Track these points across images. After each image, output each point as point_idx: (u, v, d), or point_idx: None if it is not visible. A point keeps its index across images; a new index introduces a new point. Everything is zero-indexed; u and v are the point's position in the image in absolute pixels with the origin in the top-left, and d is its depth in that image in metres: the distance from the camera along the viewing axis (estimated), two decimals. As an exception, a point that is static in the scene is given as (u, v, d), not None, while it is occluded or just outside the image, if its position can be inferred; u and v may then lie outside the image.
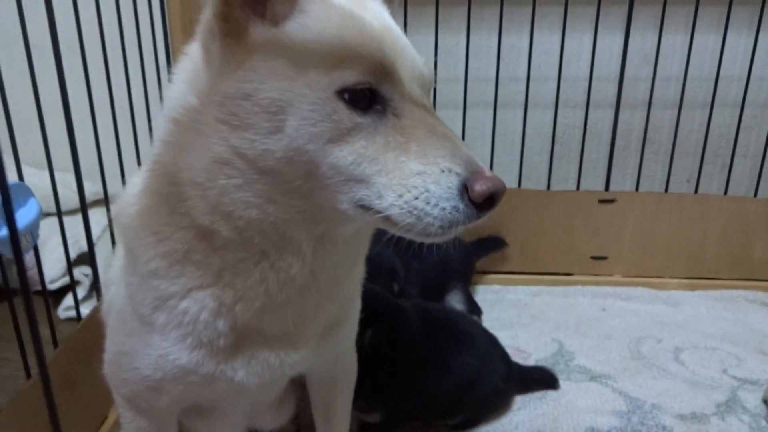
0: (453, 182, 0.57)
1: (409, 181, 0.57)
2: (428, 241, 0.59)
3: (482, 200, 0.57)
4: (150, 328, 0.70)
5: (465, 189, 0.57)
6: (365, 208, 0.59)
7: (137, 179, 0.71)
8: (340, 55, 0.57)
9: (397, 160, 0.57)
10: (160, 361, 0.70)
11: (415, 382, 1.09)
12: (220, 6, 0.58)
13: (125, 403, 0.80)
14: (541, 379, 1.27)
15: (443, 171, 0.57)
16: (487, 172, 0.58)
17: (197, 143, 0.59)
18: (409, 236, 0.60)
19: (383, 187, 0.57)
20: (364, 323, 0.89)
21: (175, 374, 0.71)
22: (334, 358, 0.89)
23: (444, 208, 0.56)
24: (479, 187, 0.56)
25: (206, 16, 0.60)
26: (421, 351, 1.10)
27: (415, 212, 0.57)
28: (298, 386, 1.01)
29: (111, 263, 0.91)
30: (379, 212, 0.58)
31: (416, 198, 0.56)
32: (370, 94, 0.58)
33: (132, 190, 0.70)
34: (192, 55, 0.63)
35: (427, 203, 0.56)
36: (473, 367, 1.14)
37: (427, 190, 0.56)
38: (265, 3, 0.58)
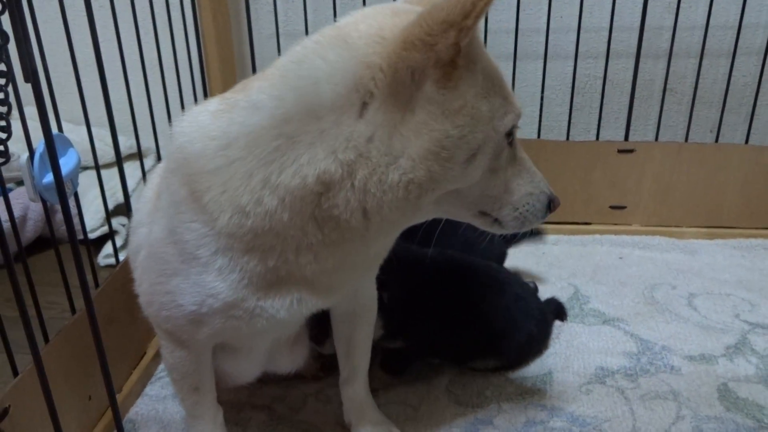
0: (545, 200, 0.82)
1: (524, 200, 0.80)
2: (507, 232, 0.83)
3: (553, 210, 0.84)
4: (203, 269, 0.75)
5: (549, 204, 0.82)
6: (484, 214, 0.80)
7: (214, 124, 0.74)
8: (506, 103, 0.74)
9: (517, 184, 0.80)
10: (208, 299, 0.77)
11: (436, 323, 1.15)
12: (453, 55, 0.66)
13: (167, 336, 0.88)
14: (554, 310, 1.31)
15: (542, 192, 0.82)
16: (555, 193, 0.84)
17: (378, 163, 0.69)
18: (496, 231, 0.83)
19: (506, 203, 0.80)
20: (383, 270, 0.96)
21: (221, 309, 0.78)
22: (354, 294, 0.97)
23: (538, 216, 0.82)
24: (556, 203, 0.83)
25: (410, 61, 0.66)
26: (441, 295, 1.15)
27: (524, 221, 0.81)
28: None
29: (137, 206, 0.97)
30: (495, 219, 0.81)
31: (527, 211, 0.81)
32: (512, 134, 0.77)
33: (204, 146, 0.73)
34: (342, 81, 0.68)
35: (533, 215, 0.81)
36: (504, 313, 1.18)
37: (534, 206, 0.81)
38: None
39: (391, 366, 1.21)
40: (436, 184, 0.71)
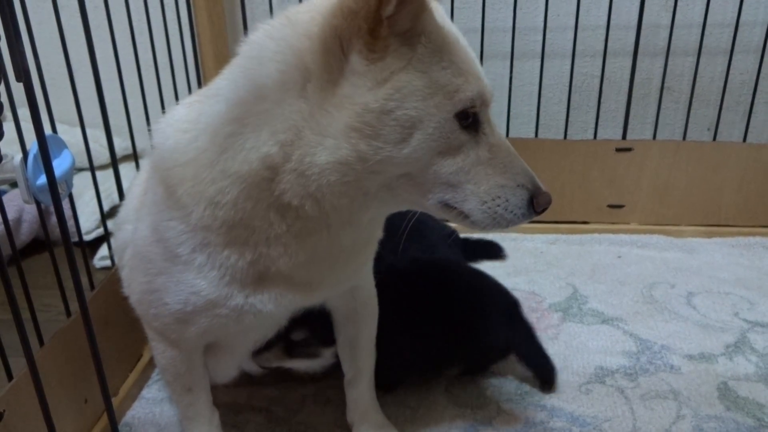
0: (525, 196, 0.73)
1: (493, 192, 0.71)
2: (484, 231, 0.80)
3: (540, 210, 0.74)
4: (184, 267, 0.75)
5: (531, 201, 0.73)
6: (449, 206, 0.73)
7: (185, 126, 0.74)
8: (459, 81, 0.68)
9: (485, 173, 0.71)
10: (192, 297, 0.76)
11: (412, 331, 1.12)
12: (373, 23, 0.62)
13: (156, 335, 0.88)
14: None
15: (519, 186, 0.72)
16: (543, 188, 0.74)
17: (308, 142, 0.66)
18: (470, 227, 0.74)
19: (470, 193, 0.71)
20: None
21: (204, 307, 0.77)
22: (351, 293, 0.96)
23: (515, 214, 0.73)
24: (541, 201, 0.73)
25: (338, 30, 0.64)
26: (413, 303, 1.12)
27: (495, 216, 0.72)
28: None
29: (123, 203, 0.97)
30: (461, 212, 0.72)
31: (498, 205, 0.72)
32: (472, 116, 0.69)
33: (177, 141, 0.73)
34: (284, 58, 0.66)
35: (505, 210, 0.72)
36: (471, 317, 1.14)
37: (507, 200, 0.72)
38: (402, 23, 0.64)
39: (384, 382, 1.15)
40: (369, 165, 0.66)
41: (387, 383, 1.16)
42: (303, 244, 0.74)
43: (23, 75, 0.53)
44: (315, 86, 0.65)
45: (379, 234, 0.88)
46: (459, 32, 0.72)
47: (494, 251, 1.37)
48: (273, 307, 0.78)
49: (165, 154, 0.74)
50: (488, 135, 0.72)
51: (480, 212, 0.72)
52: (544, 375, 1.17)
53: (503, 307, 1.18)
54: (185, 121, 0.74)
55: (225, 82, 0.71)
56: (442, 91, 0.67)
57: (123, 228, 0.93)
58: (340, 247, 0.78)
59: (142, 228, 0.81)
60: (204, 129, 0.71)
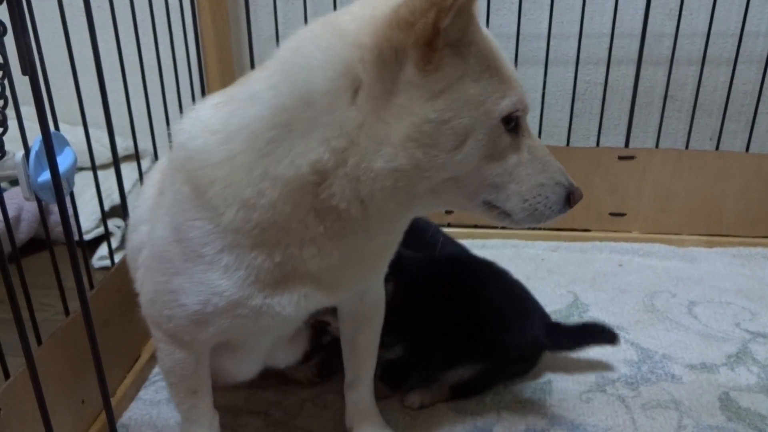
0: (563, 193, 0.76)
1: (534, 190, 0.74)
2: (519, 227, 0.78)
3: (573, 205, 0.78)
4: (207, 267, 0.75)
5: (567, 197, 0.76)
6: (491, 206, 0.75)
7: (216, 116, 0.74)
8: (504, 88, 0.70)
9: (525, 173, 0.74)
10: (213, 298, 0.76)
11: (435, 322, 1.13)
12: (430, 35, 0.64)
13: (167, 338, 0.86)
14: (594, 335, 1.23)
15: (557, 184, 0.76)
16: (575, 184, 0.78)
17: (364, 149, 0.67)
18: (507, 224, 0.77)
19: (513, 193, 0.74)
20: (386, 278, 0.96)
21: (226, 308, 0.77)
22: (360, 295, 0.96)
23: (553, 210, 0.76)
24: (576, 196, 0.77)
25: (393, 41, 0.65)
26: (438, 297, 1.13)
27: (535, 213, 0.75)
28: (310, 326, 1.09)
29: (136, 204, 0.96)
30: (503, 211, 0.76)
31: (539, 203, 0.75)
32: (515, 120, 0.72)
33: (206, 141, 0.73)
34: (334, 67, 0.66)
35: (545, 206, 0.75)
36: (497, 314, 1.15)
37: (546, 197, 0.75)
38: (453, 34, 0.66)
39: (391, 378, 1.18)
40: (423, 172, 0.68)
41: (397, 379, 1.17)
42: (338, 245, 0.75)
43: (29, 68, 0.53)
44: (367, 95, 0.66)
45: (400, 237, 0.88)
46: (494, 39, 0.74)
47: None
48: (293, 310, 0.78)
49: (193, 155, 0.73)
50: (526, 137, 0.75)
51: (521, 210, 0.75)
52: (603, 339, 1.20)
53: (534, 309, 1.21)
54: (214, 122, 0.73)
55: (262, 86, 0.71)
56: (491, 97, 0.69)
57: (138, 230, 0.93)
58: (373, 248, 0.80)
59: (160, 228, 0.80)
60: (237, 131, 0.71)
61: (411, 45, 0.64)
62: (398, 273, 1.02)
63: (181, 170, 0.75)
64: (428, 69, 0.65)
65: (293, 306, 0.78)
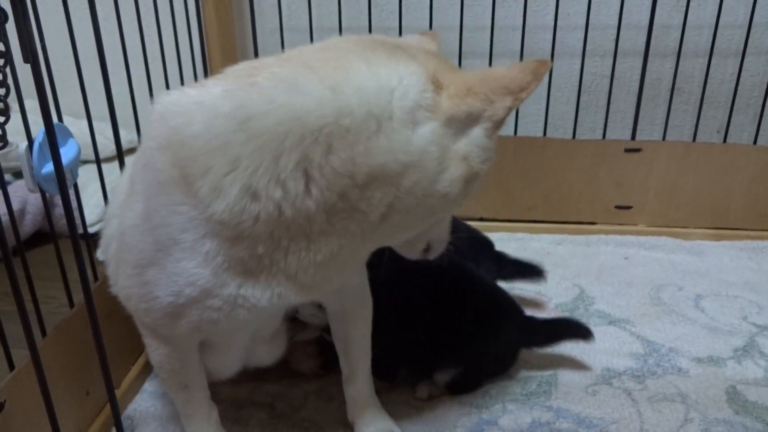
0: None
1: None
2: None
3: None
4: (182, 255, 0.72)
5: None
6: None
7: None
8: None
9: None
10: (186, 288, 0.74)
11: (411, 326, 1.12)
12: (503, 116, 0.75)
13: (148, 332, 0.86)
14: (567, 330, 1.22)
15: None
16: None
17: (424, 172, 0.73)
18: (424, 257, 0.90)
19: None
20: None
21: (198, 298, 0.75)
22: (339, 293, 0.95)
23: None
24: None
25: (472, 109, 0.74)
26: (411, 302, 1.12)
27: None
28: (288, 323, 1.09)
29: (111, 198, 0.95)
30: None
31: None
32: None
33: (206, 127, 0.69)
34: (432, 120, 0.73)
35: None
36: (469, 319, 1.14)
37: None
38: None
39: (381, 371, 1.13)
40: (455, 204, 0.79)
41: (388, 372, 1.16)
42: (329, 243, 0.73)
43: (30, 57, 0.53)
44: (435, 130, 0.73)
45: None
46: None
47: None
48: (267, 303, 0.76)
49: (188, 140, 0.69)
50: None
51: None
52: (577, 333, 1.20)
53: (512, 310, 1.18)
54: (225, 104, 0.68)
55: (312, 82, 0.69)
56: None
57: (110, 224, 0.92)
58: (359, 255, 0.81)
59: (131, 216, 0.77)
60: (266, 114, 0.67)
61: (486, 116, 0.74)
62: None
63: (168, 153, 0.70)
64: (491, 137, 0.76)
65: (267, 299, 0.76)
